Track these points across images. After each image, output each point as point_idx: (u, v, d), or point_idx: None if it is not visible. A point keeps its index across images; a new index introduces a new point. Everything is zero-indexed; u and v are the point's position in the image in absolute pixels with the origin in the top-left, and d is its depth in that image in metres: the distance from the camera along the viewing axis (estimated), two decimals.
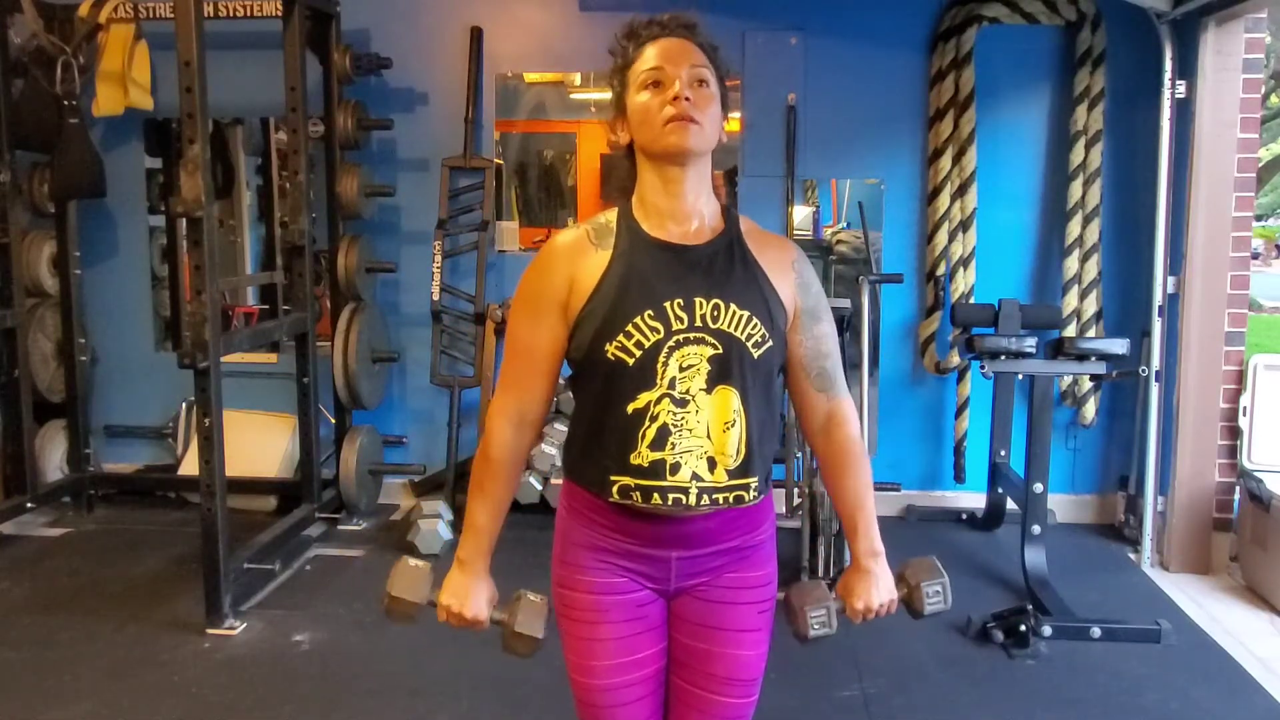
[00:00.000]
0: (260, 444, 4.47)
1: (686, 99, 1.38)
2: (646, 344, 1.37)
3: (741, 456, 1.41)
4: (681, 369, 1.38)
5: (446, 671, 2.96)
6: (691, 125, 1.38)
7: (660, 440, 1.38)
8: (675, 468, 1.39)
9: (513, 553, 3.94)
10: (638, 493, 1.40)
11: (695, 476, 1.39)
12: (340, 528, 4.25)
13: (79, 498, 4.44)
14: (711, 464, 1.40)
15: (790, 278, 1.48)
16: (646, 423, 1.38)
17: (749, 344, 1.40)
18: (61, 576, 3.72)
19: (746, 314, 1.40)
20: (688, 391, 1.38)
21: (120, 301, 4.64)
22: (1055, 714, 2.77)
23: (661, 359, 1.38)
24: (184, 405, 4.57)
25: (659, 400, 1.38)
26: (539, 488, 4.18)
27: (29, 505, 4.17)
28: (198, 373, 3.16)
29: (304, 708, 2.76)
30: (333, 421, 4.41)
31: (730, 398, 1.39)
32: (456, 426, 4.36)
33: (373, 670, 2.98)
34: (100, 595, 3.52)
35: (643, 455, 1.38)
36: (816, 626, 1.46)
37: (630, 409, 1.38)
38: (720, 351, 1.39)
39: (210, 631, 3.20)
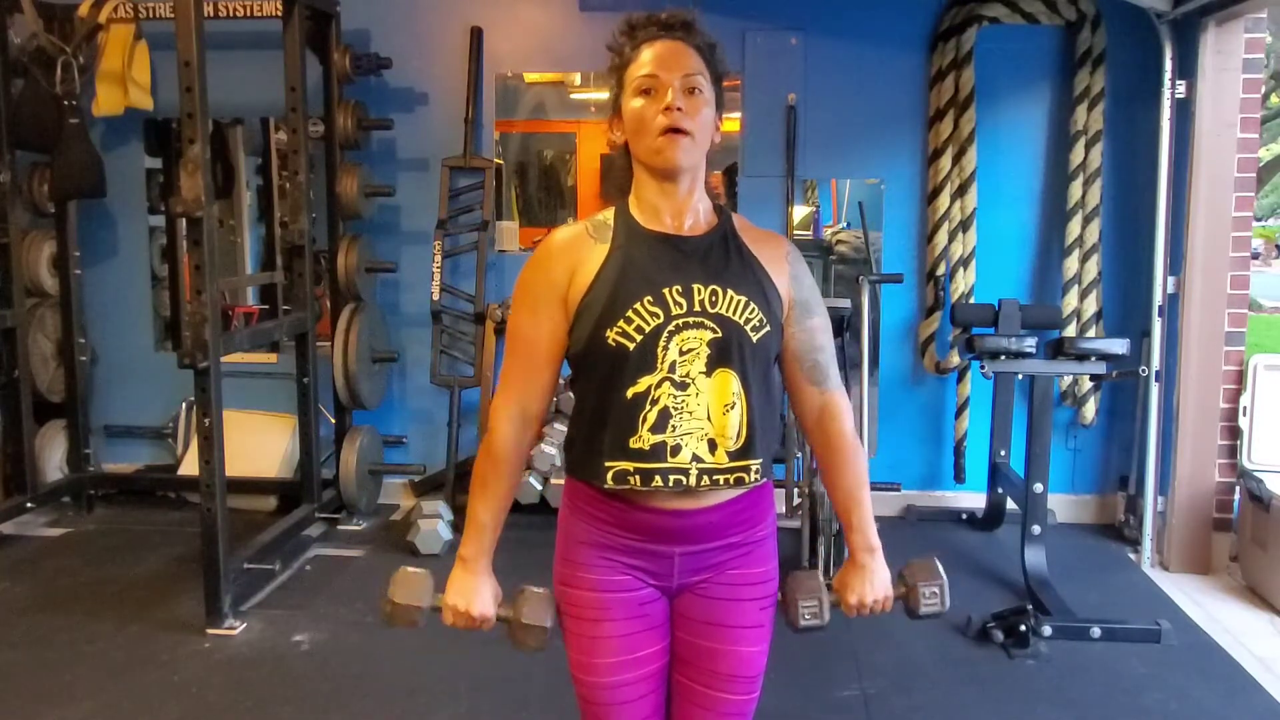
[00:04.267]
0: (260, 444, 4.47)
1: (679, 109, 1.40)
2: (647, 329, 1.39)
3: (743, 439, 1.43)
4: (681, 353, 1.40)
5: (446, 671, 2.96)
6: (683, 139, 1.41)
7: (661, 423, 1.40)
8: (676, 449, 1.40)
9: (513, 553, 3.93)
10: (636, 476, 1.41)
11: (696, 458, 1.41)
12: (340, 528, 4.25)
13: (79, 498, 4.44)
14: (712, 446, 1.41)
15: (785, 269, 1.51)
16: (647, 406, 1.40)
17: (747, 328, 1.42)
18: (61, 576, 3.72)
19: (744, 299, 1.43)
20: (688, 375, 1.40)
21: (120, 301, 4.64)
22: (1055, 714, 2.77)
23: (662, 343, 1.40)
24: (184, 405, 4.57)
25: (659, 384, 1.40)
26: (539, 488, 4.18)
27: (29, 505, 4.17)
28: (198, 373, 3.16)
29: (304, 708, 2.76)
30: (333, 421, 4.41)
31: (730, 380, 1.41)
32: (456, 426, 4.36)
33: (373, 670, 2.98)
34: (100, 595, 3.52)
35: (643, 439, 1.40)
36: (807, 617, 1.49)
37: (631, 393, 1.40)
38: (720, 335, 1.41)
39: (210, 631, 3.20)
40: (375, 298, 4.48)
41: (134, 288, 4.66)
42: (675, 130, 1.40)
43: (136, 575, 3.72)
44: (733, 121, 4.39)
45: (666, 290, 1.40)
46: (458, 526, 4.09)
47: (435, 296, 4.33)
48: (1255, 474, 3.72)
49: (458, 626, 1.50)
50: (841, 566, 1.54)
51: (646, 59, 1.43)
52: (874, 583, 1.50)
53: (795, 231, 4.43)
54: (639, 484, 1.41)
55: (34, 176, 4.29)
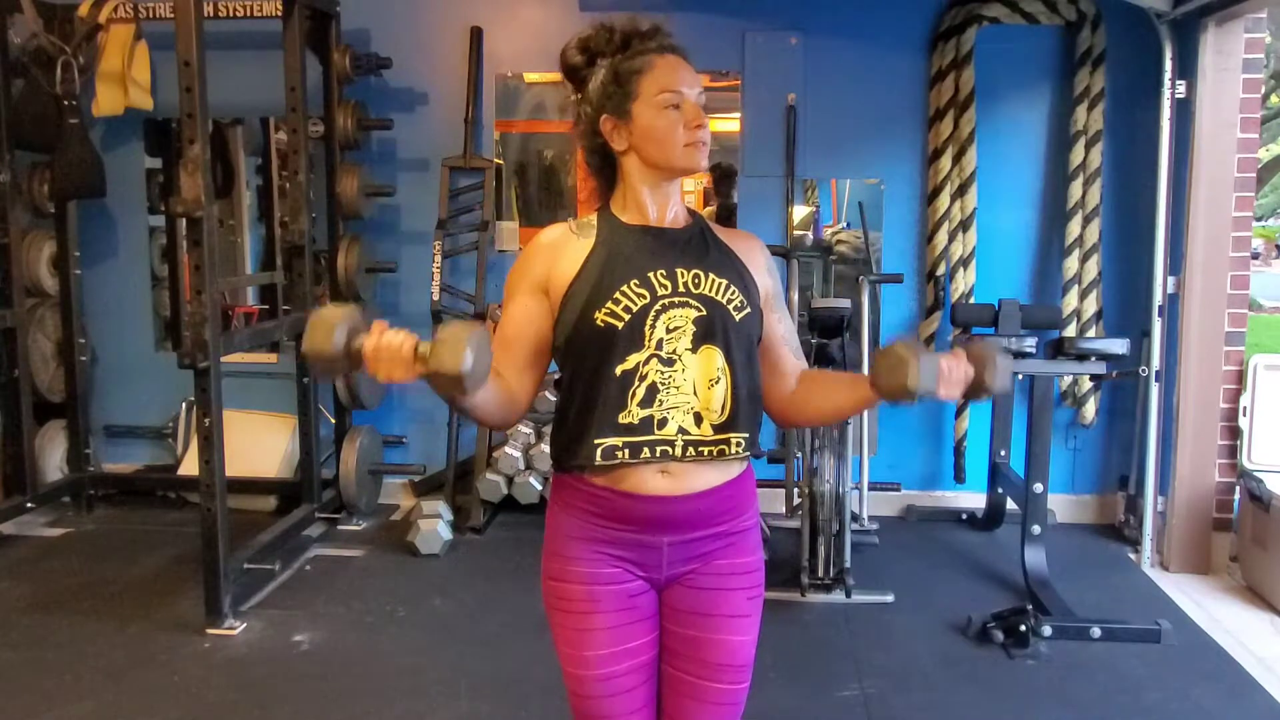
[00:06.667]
0: (260, 444, 4.47)
1: (703, 125, 1.50)
2: (635, 308, 1.45)
3: (727, 412, 1.48)
4: (668, 330, 1.46)
5: (446, 671, 2.96)
6: (705, 149, 1.52)
7: (649, 398, 1.45)
8: (663, 423, 1.45)
9: (514, 553, 3.97)
10: (625, 450, 1.44)
11: (682, 430, 1.46)
12: (340, 528, 4.25)
13: (79, 498, 4.44)
14: (698, 419, 1.47)
15: (760, 261, 1.59)
16: (636, 383, 1.45)
17: (730, 308, 1.49)
18: (61, 576, 3.71)
19: (725, 282, 1.50)
20: (674, 351, 1.46)
21: (120, 301, 4.64)
22: (1055, 714, 2.77)
23: (649, 322, 1.45)
24: (184, 405, 4.57)
25: (647, 361, 1.45)
26: (539, 488, 4.18)
27: (29, 505, 4.17)
28: (198, 373, 3.16)
29: (304, 708, 2.77)
30: (333, 421, 4.41)
31: (715, 356, 1.47)
32: (456, 426, 4.36)
33: (373, 670, 2.98)
34: (100, 595, 3.52)
35: (632, 413, 1.45)
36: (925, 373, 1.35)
37: (619, 371, 1.45)
38: (705, 314, 1.47)
39: (210, 631, 3.20)
40: (375, 298, 4.48)
41: (134, 288, 4.66)
42: (703, 144, 1.50)
43: (136, 575, 3.72)
44: (733, 121, 4.39)
45: (651, 274, 1.47)
46: (458, 526, 4.09)
47: (435, 297, 4.33)
48: (1255, 474, 3.72)
49: (377, 366, 1.34)
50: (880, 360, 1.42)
51: (667, 74, 1.49)
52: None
53: (795, 231, 4.43)
54: (627, 457, 1.44)
55: (34, 176, 4.28)
